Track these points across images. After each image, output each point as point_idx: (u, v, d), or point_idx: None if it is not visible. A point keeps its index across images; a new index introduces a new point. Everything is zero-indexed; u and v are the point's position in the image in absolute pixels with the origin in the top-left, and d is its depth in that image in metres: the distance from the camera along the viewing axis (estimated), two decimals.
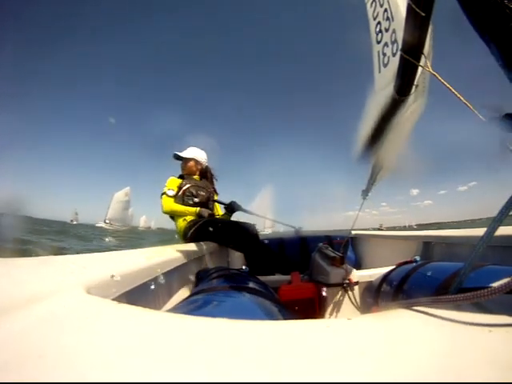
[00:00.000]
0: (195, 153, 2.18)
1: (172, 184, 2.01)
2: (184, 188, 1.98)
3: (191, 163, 2.15)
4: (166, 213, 1.94)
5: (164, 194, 1.94)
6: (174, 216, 1.98)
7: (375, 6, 1.13)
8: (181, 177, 2.10)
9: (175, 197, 1.95)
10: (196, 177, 2.14)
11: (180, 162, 2.18)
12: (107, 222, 40.17)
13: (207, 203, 2.07)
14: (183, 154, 2.15)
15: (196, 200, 1.97)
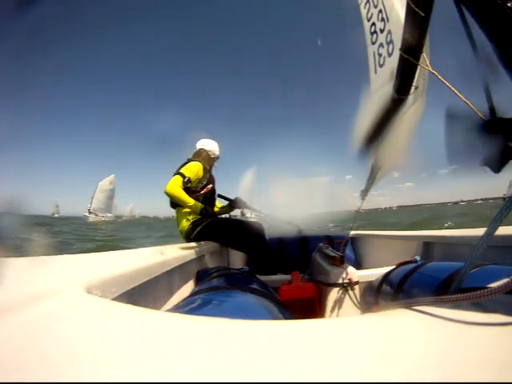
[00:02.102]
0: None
1: (194, 170, 1.74)
2: (209, 187, 1.84)
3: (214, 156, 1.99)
4: (167, 192, 1.68)
5: (181, 175, 1.67)
6: (175, 202, 1.76)
7: (369, 7, 1.13)
8: (205, 169, 1.86)
9: (188, 189, 1.71)
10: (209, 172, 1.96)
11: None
12: (91, 211, 37.66)
13: (213, 198, 1.98)
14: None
15: (208, 196, 1.86)
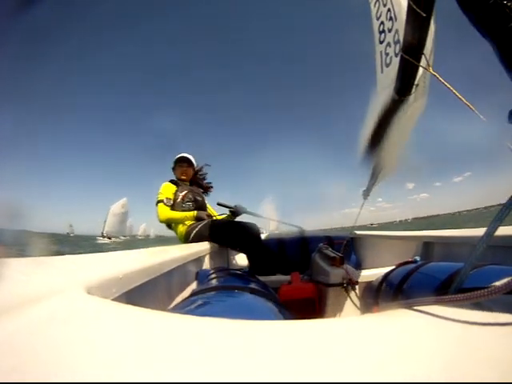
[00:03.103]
0: (191, 159, 2.17)
1: (167, 191, 1.94)
2: (183, 194, 1.95)
3: (191, 170, 2.14)
4: (162, 221, 1.87)
5: (161, 201, 1.86)
6: (171, 224, 1.92)
7: (379, 5, 1.13)
8: (173, 182, 2.05)
9: (173, 205, 1.89)
10: (186, 182, 2.12)
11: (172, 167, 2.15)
12: (104, 235, 38.13)
13: (203, 207, 2.07)
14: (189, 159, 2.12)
15: (194, 205, 1.95)
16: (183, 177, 2.10)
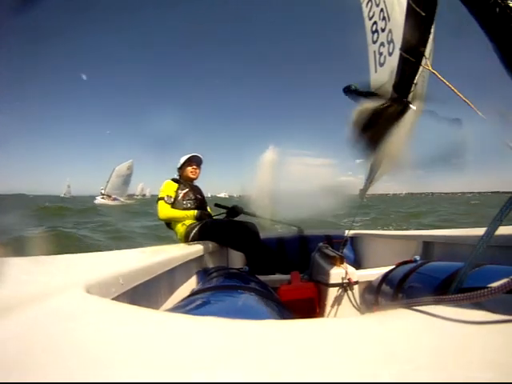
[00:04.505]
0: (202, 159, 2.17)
1: (169, 189, 1.94)
2: (184, 192, 1.96)
3: (199, 170, 2.13)
4: (162, 219, 1.88)
5: (161, 199, 1.87)
6: (170, 222, 1.92)
7: (371, 5, 1.13)
8: (175, 181, 2.05)
9: (173, 203, 1.90)
10: (189, 182, 2.12)
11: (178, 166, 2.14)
12: (104, 194, 36.85)
13: (204, 206, 2.07)
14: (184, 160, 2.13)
15: (195, 204, 1.96)
16: (192, 176, 2.09)
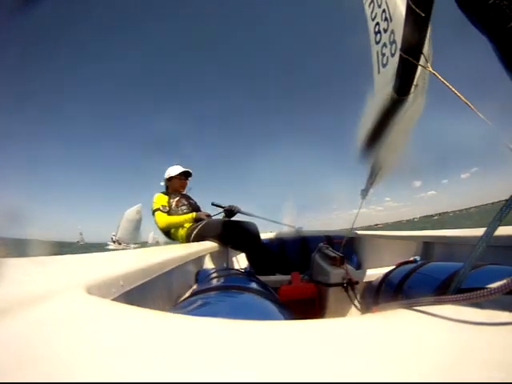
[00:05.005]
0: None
1: (162, 200, 2.02)
2: (176, 200, 2.02)
3: (186, 182, 2.22)
4: (163, 228, 1.93)
5: (157, 210, 1.94)
6: (170, 230, 1.96)
7: (373, 6, 1.13)
8: (164, 193, 2.13)
9: (169, 212, 1.96)
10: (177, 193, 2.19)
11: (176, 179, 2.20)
12: (115, 240, 35.47)
13: (198, 209, 2.13)
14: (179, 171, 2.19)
15: (190, 208, 2.01)
16: (181, 189, 2.19)
